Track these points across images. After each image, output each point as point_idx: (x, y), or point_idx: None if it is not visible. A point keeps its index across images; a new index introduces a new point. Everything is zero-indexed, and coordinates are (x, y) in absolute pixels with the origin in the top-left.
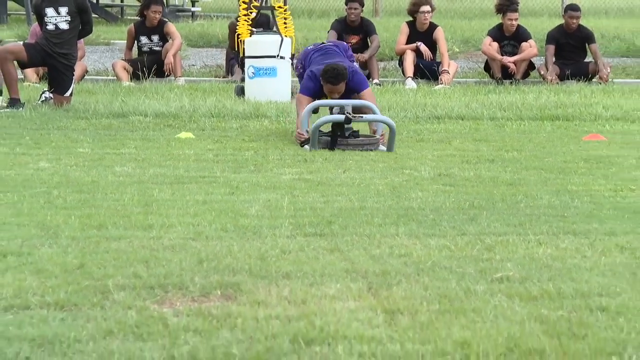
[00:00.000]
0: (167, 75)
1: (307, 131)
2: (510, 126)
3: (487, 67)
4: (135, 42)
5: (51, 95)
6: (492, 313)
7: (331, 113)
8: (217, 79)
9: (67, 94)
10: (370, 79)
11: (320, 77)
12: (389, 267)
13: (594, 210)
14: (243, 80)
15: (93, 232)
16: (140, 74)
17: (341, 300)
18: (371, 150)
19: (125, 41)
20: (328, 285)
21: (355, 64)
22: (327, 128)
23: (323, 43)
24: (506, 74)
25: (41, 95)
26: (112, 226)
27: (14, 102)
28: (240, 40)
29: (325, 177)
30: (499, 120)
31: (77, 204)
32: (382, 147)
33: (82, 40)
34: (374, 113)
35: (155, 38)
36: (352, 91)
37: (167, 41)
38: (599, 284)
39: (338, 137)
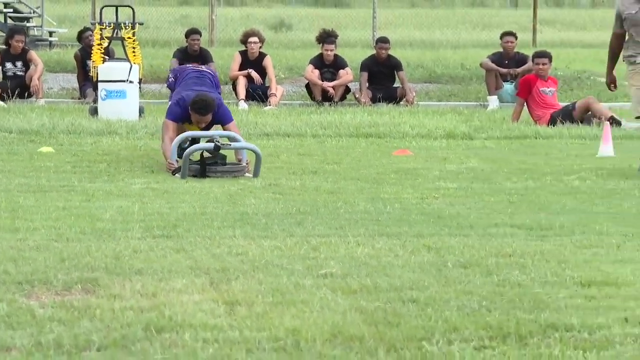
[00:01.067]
0: (29, 97)
1: (177, 160)
2: (330, 142)
3: (309, 90)
4: (1, 67)
5: None
6: (319, 304)
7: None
8: (73, 100)
9: None
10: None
11: (190, 106)
12: (228, 264)
13: (404, 215)
14: (96, 101)
15: None
16: (5, 95)
17: (187, 294)
18: (238, 177)
19: None
20: (175, 280)
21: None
22: (195, 157)
23: (203, 68)
24: (326, 97)
25: None
26: None
27: None
28: (94, 67)
29: (170, 186)
30: (320, 137)
31: None
32: (249, 175)
33: None
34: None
35: (19, 64)
36: (217, 122)
37: (30, 67)
38: (410, 279)
39: (207, 165)
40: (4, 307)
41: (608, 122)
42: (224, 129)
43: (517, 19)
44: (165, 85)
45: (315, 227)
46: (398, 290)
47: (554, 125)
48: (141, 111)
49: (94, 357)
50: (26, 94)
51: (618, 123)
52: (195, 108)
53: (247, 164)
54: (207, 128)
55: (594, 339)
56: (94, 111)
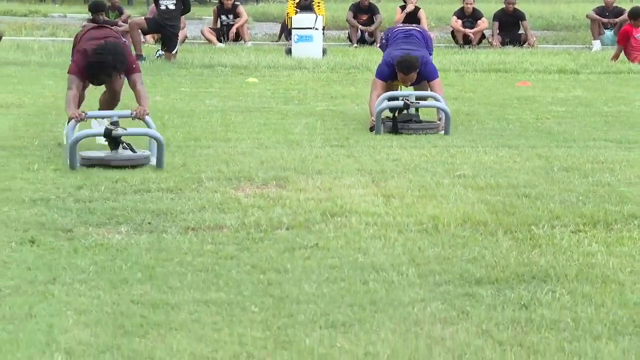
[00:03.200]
0: (239, 40)
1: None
2: (468, 76)
3: (453, 35)
4: (218, 18)
5: (163, 52)
6: (454, 197)
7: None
8: (273, 42)
9: (174, 52)
10: (376, 43)
11: (395, 65)
12: (386, 167)
13: (522, 131)
14: (290, 43)
15: (191, 142)
16: (222, 39)
17: (354, 188)
18: (431, 134)
19: (212, 17)
20: (346, 178)
21: (428, 53)
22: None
23: (412, 27)
24: (466, 41)
25: (157, 52)
26: (204, 139)
27: (138, 57)
28: (289, 17)
29: (345, 108)
30: (460, 72)
31: (180, 124)
32: (441, 132)
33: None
34: (438, 101)
35: (230, 16)
36: (423, 79)
37: (238, 17)
38: (524, 179)
39: (400, 122)
40: (218, 197)
41: None
42: (429, 85)
43: None
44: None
45: (454, 140)
46: (514, 187)
47: None
48: (324, 52)
49: (283, 234)
50: (237, 39)
51: None
52: (399, 68)
53: (441, 121)
54: (414, 84)
55: None
56: (289, 51)
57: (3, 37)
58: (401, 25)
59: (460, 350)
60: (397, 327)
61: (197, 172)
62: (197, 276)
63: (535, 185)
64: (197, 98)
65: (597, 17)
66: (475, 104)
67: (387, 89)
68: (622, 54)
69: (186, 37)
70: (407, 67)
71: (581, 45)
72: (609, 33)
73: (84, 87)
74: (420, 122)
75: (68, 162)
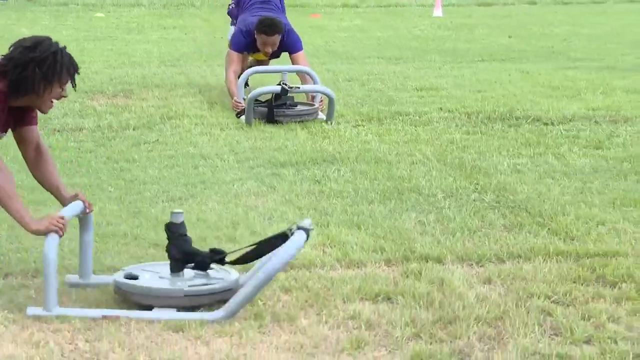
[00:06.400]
0: None
1: (244, 99)
2: None
3: None
4: None
5: None
6: None
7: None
8: None
9: None
10: None
11: (255, 27)
12: (210, 81)
13: (315, 52)
14: None
15: None
16: None
17: (185, 97)
18: (310, 120)
19: None
20: (178, 90)
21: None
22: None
23: None
24: None
25: None
26: None
27: None
28: None
29: (175, 37)
30: None
31: None
32: (322, 116)
33: None
34: (313, 80)
35: None
36: (285, 49)
37: None
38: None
39: (275, 107)
40: (78, 106)
41: None
42: (292, 58)
43: None
44: None
45: None
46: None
47: None
48: None
49: (131, 133)
50: None
51: None
52: (261, 27)
53: (320, 102)
54: (275, 56)
55: (421, 120)
56: None
57: None
58: None
59: (270, 214)
60: (222, 199)
61: None
62: (64, 166)
63: (442, 86)
64: (56, 30)
65: None
66: None
67: (243, 63)
68: None
69: None
70: (270, 27)
71: None
72: None
73: None
74: (296, 105)
75: None
